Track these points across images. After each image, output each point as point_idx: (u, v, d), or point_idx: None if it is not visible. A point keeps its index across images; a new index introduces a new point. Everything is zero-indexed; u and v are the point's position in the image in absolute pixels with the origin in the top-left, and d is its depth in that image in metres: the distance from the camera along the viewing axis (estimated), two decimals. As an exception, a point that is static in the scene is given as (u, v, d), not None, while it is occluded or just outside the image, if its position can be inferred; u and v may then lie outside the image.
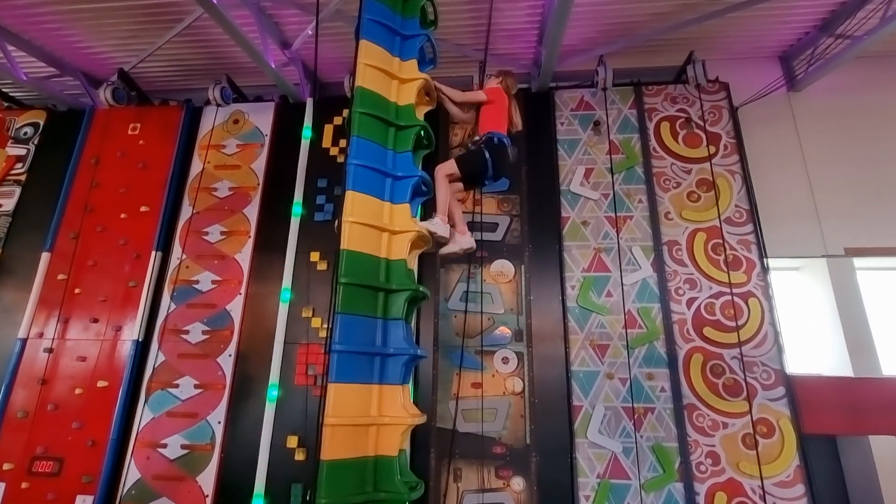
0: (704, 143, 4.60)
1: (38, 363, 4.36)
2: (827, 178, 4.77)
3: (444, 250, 3.22)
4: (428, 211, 3.41)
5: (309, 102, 4.84)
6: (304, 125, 4.74)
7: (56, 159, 5.05)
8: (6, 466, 4.04)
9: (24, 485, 3.99)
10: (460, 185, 3.38)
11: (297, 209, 4.53)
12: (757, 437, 3.81)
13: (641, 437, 3.90)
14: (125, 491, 3.95)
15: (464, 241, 3.27)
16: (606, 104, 4.84)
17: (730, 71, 4.92)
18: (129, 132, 5.05)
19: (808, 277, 4.78)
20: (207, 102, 5.10)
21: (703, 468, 3.80)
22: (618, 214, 4.48)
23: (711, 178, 4.48)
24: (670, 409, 3.95)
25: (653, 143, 4.68)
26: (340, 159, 4.74)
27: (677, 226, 4.42)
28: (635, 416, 3.94)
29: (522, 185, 4.64)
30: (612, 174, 4.60)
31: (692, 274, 4.27)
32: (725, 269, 4.22)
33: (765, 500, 3.65)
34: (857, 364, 4.25)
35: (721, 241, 4.31)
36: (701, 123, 4.67)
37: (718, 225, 4.35)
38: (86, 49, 5.20)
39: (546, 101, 4.91)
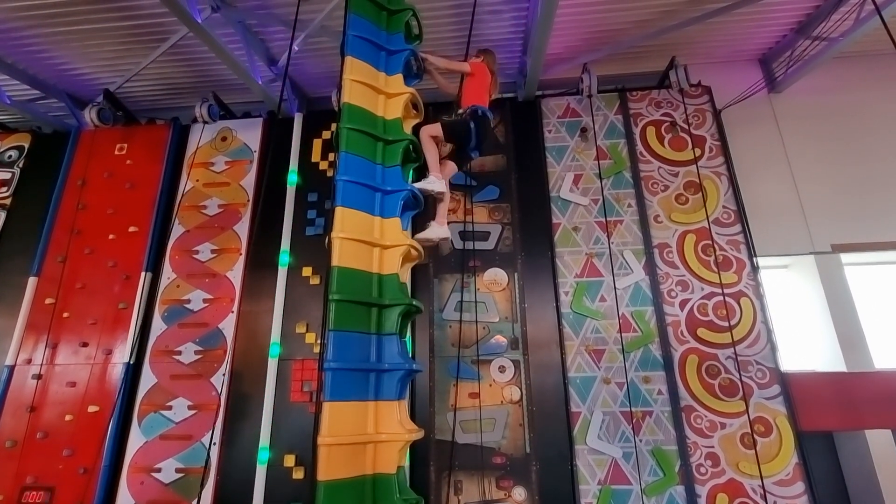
0: (690, 146, 4.67)
1: (26, 390, 4.27)
2: (811, 177, 4.84)
3: (420, 236, 3.21)
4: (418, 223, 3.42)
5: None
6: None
7: (42, 182, 5.00)
8: (-5, 498, 3.95)
9: (13, 516, 3.89)
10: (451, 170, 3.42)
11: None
12: (755, 436, 3.82)
13: (640, 440, 3.90)
14: (119, 519, 3.86)
15: (440, 231, 3.30)
16: (592, 110, 4.89)
17: (711, 75, 5.01)
18: (116, 152, 5.02)
19: (798, 275, 4.84)
20: (195, 120, 5.08)
21: (703, 470, 3.80)
22: (608, 219, 4.51)
23: (698, 181, 4.54)
24: (668, 412, 3.96)
25: (639, 147, 4.73)
26: (330, 173, 4.74)
27: (667, 228, 4.46)
28: (634, 421, 3.94)
29: (513, 193, 4.67)
30: (601, 179, 4.64)
31: (684, 276, 4.31)
32: (716, 270, 4.26)
33: (766, 500, 3.65)
34: (849, 359, 4.28)
35: (710, 242, 4.35)
36: (686, 127, 4.74)
37: (707, 226, 4.40)
38: (70, 71, 5.17)
39: (533, 110, 4.96)
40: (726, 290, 4.21)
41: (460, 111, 3.38)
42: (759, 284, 4.23)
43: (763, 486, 3.69)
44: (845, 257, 4.63)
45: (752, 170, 4.82)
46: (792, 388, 3.96)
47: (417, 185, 3.05)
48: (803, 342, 4.67)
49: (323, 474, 2.24)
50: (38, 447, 4.09)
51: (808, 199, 4.78)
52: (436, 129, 3.25)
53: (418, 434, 2.57)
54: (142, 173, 4.89)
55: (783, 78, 5.10)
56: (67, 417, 4.16)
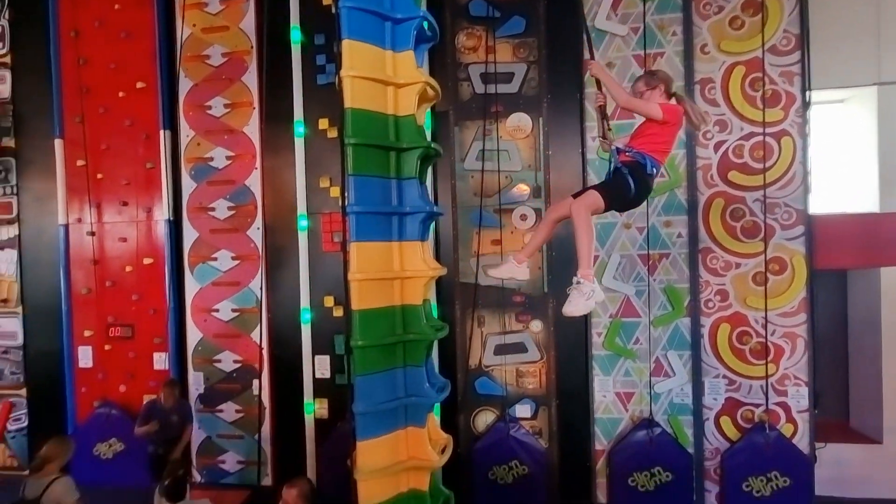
0: (757, -48, 3.87)
1: (84, 246, 4.67)
2: (901, -10, 4.06)
3: (493, 272, 2.71)
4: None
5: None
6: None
7: (34, 35, 4.70)
8: (87, 333, 4.64)
9: (107, 347, 4.62)
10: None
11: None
12: (768, 274, 3.93)
13: (654, 280, 4.10)
14: (192, 348, 4.55)
15: (519, 270, 2.60)
16: None
17: None
18: (102, -3, 4.56)
19: (853, 109, 4.42)
20: (179, -48, 4.44)
21: (710, 304, 4.05)
22: (647, 52, 4.03)
23: (760, -1, 3.87)
24: (685, 254, 4.06)
25: (694, -42, 3.96)
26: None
27: (714, 60, 3.98)
28: (650, 262, 4.09)
29: (541, 25, 4.13)
30: (644, 3, 4.01)
31: (724, 115, 3.98)
32: (761, 107, 3.91)
33: (766, 329, 3.93)
34: (885, 200, 4.15)
35: (761, 74, 3.90)
36: (756, -75, 3.86)
37: (761, 56, 3.89)
38: None
39: (568, -88, 4.07)
40: (768, 130, 3.91)
41: (628, 151, 2.47)
42: (807, 122, 3.89)
43: (766, 318, 3.93)
44: (912, 89, 4.13)
45: (830, -18, 4.05)
46: (816, 228, 3.92)
47: (494, 272, 2.60)
48: (841, 184, 4.48)
49: (356, 304, 2.50)
50: (110, 293, 4.64)
51: (888, 24, 4.07)
52: (595, 200, 2.39)
53: (441, 271, 2.77)
54: (133, 19, 4.51)
55: None
56: (128, 269, 4.62)
